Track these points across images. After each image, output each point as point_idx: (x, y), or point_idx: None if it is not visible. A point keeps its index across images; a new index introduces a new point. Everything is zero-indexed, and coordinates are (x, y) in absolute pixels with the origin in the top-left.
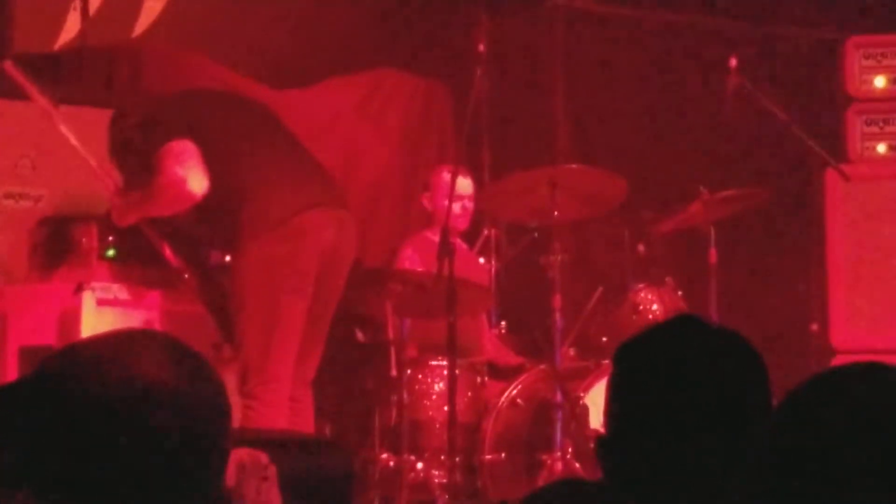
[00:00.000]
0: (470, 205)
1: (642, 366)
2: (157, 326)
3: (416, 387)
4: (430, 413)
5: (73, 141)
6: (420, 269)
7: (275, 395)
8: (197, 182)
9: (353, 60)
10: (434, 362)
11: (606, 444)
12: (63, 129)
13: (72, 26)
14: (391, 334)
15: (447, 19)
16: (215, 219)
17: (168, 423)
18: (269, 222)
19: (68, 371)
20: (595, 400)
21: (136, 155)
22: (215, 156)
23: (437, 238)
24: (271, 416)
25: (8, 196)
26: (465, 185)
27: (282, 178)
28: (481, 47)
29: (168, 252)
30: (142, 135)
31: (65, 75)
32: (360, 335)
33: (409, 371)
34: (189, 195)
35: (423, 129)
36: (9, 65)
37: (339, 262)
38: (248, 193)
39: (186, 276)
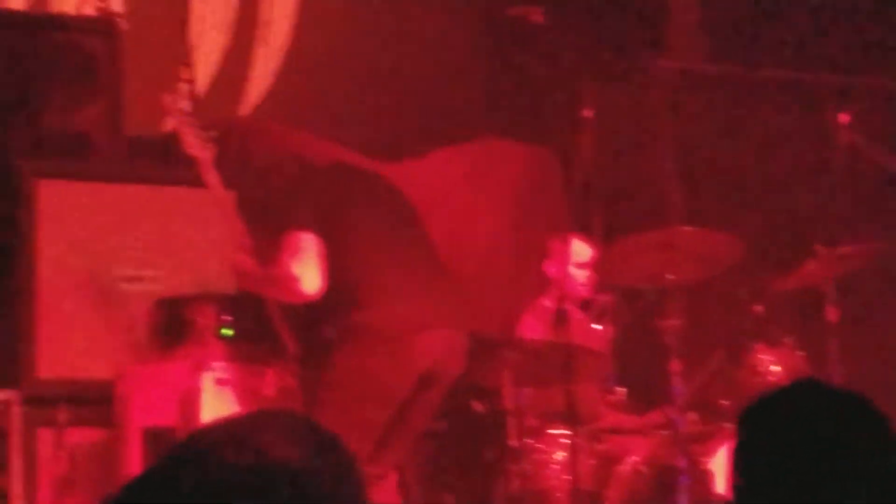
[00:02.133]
0: (593, 274)
1: (767, 431)
2: (275, 404)
3: (537, 456)
4: (552, 482)
5: (215, 187)
6: (538, 338)
7: None
8: (311, 282)
9: (460, 131)
10: (553, 431)
11: None
12: (209, 174)
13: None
14: (509, 404)
15: (553, 85)
16: (325, 310)
17: (295, 501)
18: (375, 334)
19: (193, 455)
20: (719, 464)
21: (265, 214)
22: (339, 250)
23: (552, 305)
24: None
25: (124, 279)
26: (586, 253)
27: (401, 288)
28: (588, 113)
29: (284, 328)
30: (276, 201)
31: (174, 157)
32: (477, 405)
33: (528, 440)
34: (301, 294)
35: (532, 197)
36: (168, 98)
37: (438, 382)
38: (363, 297)
39: (292, 354)
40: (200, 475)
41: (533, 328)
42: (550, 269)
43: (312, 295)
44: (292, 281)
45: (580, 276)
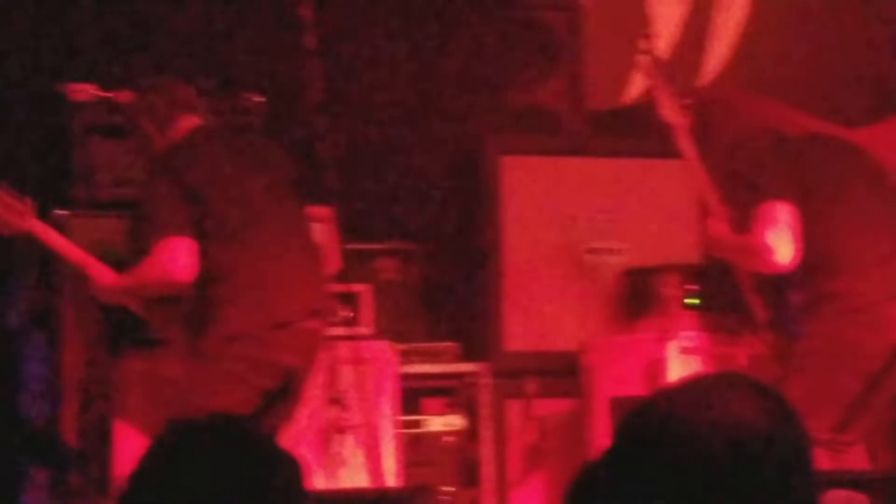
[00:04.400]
0: None
1: None
2: (747, 373)
3: None
4: None
5: (690, 154)
6: None
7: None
8: (785, 253)
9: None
10: None
11: None
12: (684, 142)
13: (638, 82)
14: None
15: None
16: (798, 279)
17: (760, 462)
18: (850, 303)
19: (657, 419)
20: None
21: (737, 183)
22: (814, 219)
23: None
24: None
25: (590, 251)
26: None
27: (877, 255)
28: None
29: (754, 297)
30: (750, 172)
31: (634, 130)
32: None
33: None
34: (774, 265)
35: None
36: (646, 62)
37: None
38: (837, 266)
39: (762, 323)
40: (666, 440)
41: None
42: None
43: (786, 266)
44: (767, 252)
45: None
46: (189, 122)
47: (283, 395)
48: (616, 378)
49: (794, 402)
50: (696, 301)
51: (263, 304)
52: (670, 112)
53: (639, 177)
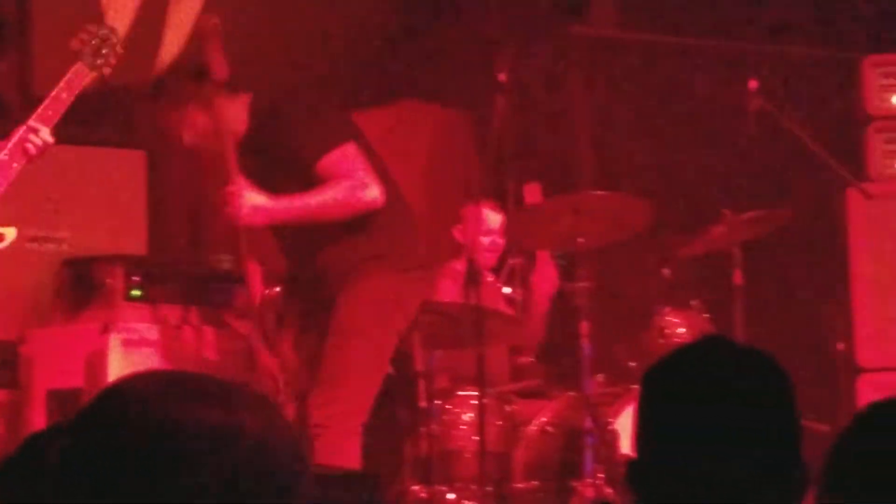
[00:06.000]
0: (500, 241)
1: (671, 388)
2: (188, 367)
3: (446, 417)
4: (461, 443)
5: (222, 128)
6: (452, 300)
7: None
8: (374, 189)
9: (374, 94)
10: (463, 392)
11: (637, 468)
12: (218, 114)
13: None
14: (420, 365)
15: (468, 49)
16: (337, 239)
17: (217, 464)
18: (399, 262)
19: (108, 417)
20: (624, 425)
21: (265, 155)
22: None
23: (463, 269)
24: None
25: (32, 240)
26: (495, 220)
27: (407, 221)
28: (502, 76)
29: (254, 271)
30: (294, 141)
31: (87, 117)
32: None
33: (438, 402)
34: (366, 203)
35: (446, 160)
36: (214, 24)
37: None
38: (384, 225)
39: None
40: (114, 440)
41: (448, 291)
42: (460, 234)
43: (376, 204)
44: (362, 187)
45: (485, 242)
46: None
47: None
48: (55, 370)
49: (350, 373)
50: (140, 293)
51: None
52: (215, 82)
53: (86, 165)
